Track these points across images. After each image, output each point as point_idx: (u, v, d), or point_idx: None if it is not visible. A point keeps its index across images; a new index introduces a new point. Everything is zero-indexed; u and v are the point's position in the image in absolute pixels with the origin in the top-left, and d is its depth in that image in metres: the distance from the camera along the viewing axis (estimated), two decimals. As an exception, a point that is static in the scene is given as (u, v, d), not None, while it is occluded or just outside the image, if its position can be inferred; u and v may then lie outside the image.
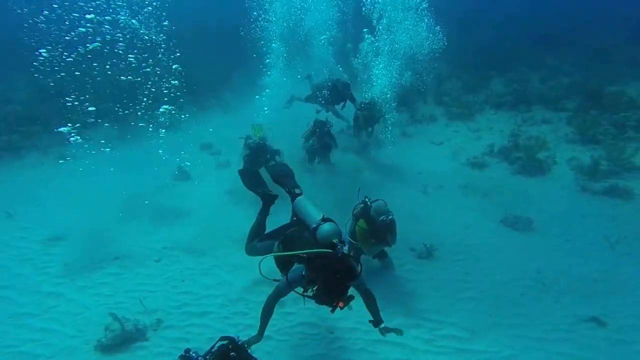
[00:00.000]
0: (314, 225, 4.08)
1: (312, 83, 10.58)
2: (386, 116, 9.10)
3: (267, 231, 5.08)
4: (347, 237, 5.53)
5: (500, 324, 4.96)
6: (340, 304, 3.55)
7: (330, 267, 3.66)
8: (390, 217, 5.22)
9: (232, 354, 3.31)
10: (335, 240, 3.83)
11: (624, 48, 13.64)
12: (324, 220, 4.12)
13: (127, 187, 7.74)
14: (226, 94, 14.30)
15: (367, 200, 5.39)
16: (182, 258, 6.56)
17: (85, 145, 8.13)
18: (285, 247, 4.39)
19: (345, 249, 3.85)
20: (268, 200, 5.19)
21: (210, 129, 11.26)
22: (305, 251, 3.88)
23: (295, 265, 4.02)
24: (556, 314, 5.06)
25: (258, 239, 4.96)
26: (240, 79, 13.85)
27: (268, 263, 4.32)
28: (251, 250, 5.07)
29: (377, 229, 5.23)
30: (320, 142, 8.44)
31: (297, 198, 4.67)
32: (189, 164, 9.33)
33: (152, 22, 9.08)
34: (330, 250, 3.76)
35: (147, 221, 7.38)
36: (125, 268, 6.28)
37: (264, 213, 5.16)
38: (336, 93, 9.87)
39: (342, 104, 10.10)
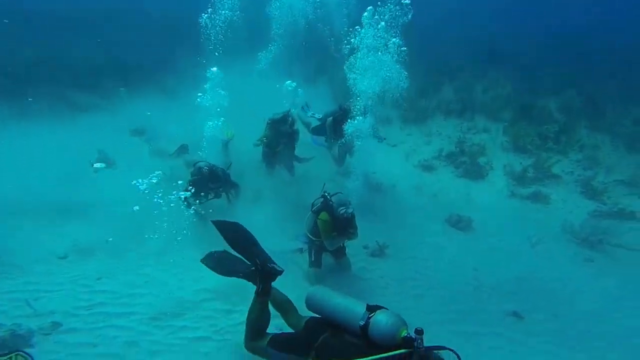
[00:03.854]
0: (362, 323, 2.43)
1: (309, 112, 7.90)
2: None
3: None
4: (307, 234, 5.02)
5: (441, 320, 4.75)
6: None
7: None
8: (350, 209, 4.68)
9: None
10: (405, 333, 2.30)
11: (549, 64, 13.49)
12: (372, 308, 2.51)
13: (24, 175, 6.04)
14: (168, 78, 11.20)
15: (326, 194, 4.80)
16: (98, 254, 4.97)
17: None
18: None
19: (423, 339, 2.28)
20: (269, 276, 3.07)
21: (148, 113, 8.62)
22: (371, 358, 2.25)
23: None
24: (488, 310, 4.90)
25: (269, 344, 2.89)
26: (184, 64, 10.57)
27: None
28: (259, 352, 3.03)
29: (338, 221, 4.69)
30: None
31: (310, 291, 2.82)
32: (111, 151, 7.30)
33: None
34: (407, 350, 2.25)
35: (52, 214, 5.56)
36: (12, 266, 4.55)
37: (263, 295, 3.05)
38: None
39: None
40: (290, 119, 6.59)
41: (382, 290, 5.12)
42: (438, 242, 6.16)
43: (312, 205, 4.95)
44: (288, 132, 6.58)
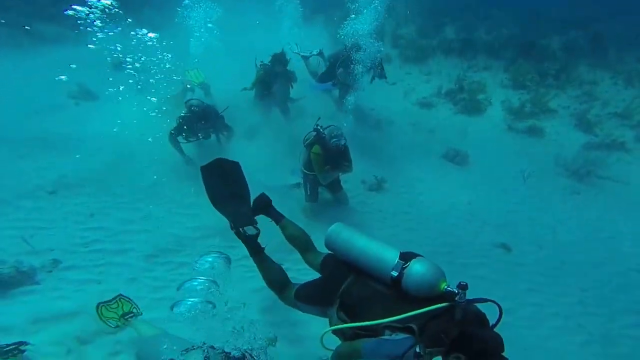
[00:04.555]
0: (395, 274, 1.97)
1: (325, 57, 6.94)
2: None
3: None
4: (301, 169, 4.77)
5: (432, 252, 4.66)
6: None
7: (472, 335, 1.73)
8: (343, 140, 4.39)
9: None
10: (446, 286, 1.88)
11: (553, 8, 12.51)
12: (406, 256, 2.02)
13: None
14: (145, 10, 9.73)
15: (319, 127, 4.50)
16: (89, 189, 4.54)
17: None
18: (350, 313, 2.12)
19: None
20: (244, 239, 2.68)
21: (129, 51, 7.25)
22: (411, 313, 1.82)
23: (392, 337, 1.87)
24: (477, 241, 4.87)
25: (295, 297, 2.50)
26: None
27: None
28: (292, 306, 2.62)
29: (331, 154, 4.45)
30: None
31: (331, 230, 2.32)
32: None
33: None
34: (448, 304, 1.82)
35: (32, 146, 5.05)
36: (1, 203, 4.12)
37: (253, 255, 2.70)
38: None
39: (370, 75, 6.32)
40: (286, 58, 6.02)
41: (379, 224, 5.02)
42: (434, 176, 5.98)
43: (305, 139, 4.65)
44: (283, 72, 6.05)
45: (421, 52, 9.23)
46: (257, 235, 2.70)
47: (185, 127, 5.09)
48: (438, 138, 6.85)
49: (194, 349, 2.14)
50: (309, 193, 4.89)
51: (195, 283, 2.73)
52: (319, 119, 4.67)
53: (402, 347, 1.76)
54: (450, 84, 8.15)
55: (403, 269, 1.95)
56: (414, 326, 1.77)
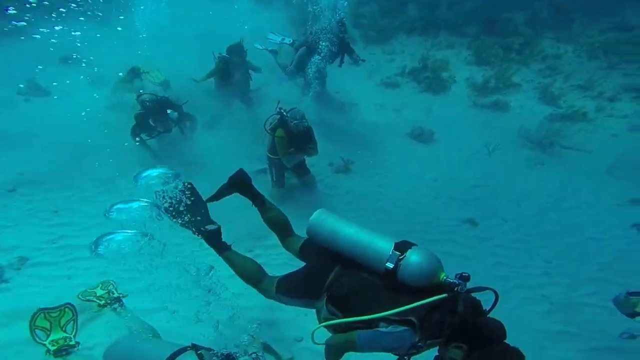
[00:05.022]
0: (390, 265, 1.78)
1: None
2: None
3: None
4: (266, 153, 4.50)
5: (402, 230, 4.46)
6: None
7: (474, 324, 1.63)
8: (305, 123, 4.16)
9: None
10: (444, 277, 1.73)
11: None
12: (401, 246, 1.83)
13: None
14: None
15: (282, 110, 4.23)
16: (50, 185, 4.37)
17: None
18: (341, 306, 1.91)
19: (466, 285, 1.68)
20: (212, 238, 2.43)
21: (78, 44, 6.75)
22: (411, 306, 1.66)
23: (387, 330, 1.73)
24: (444, 218, 4.67)
25: (277, 290, 2.23)
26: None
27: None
28: (274, 299, 2.31)
29: (294, 136, 4.21)
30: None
31: (314, 218, 2.07)
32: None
33: None
34: (447, 295, 1.66)
35: None
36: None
37: (224, 250, 2.41)
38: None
39: (339, 59, 5.94)
40: (243, 49, 5.62)
41: (348, 206, 4.77)
42: (401, 155, 5.71)
43: (269, 123, 4.34)
44: (241, 62, 5.65)
45: (384, 32, 8.86)
46: (219, 230, 2.44)
47: (143, 123, 4.77)
48: (403, 117, 6.58)
49: (185, 351, 1.96)
50: (274, 179, 4.63)
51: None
52: (279, 102, 4.35)
53: (403, 340, 1.66)
54: (414, 63, 7.85)
55: (399, 260, 1.77)
56: (413, 319, 1.65)
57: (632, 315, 2.90)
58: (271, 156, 4.48)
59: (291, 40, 6.40)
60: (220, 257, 2.39)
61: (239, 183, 2.48)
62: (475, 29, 9.13)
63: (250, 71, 5.90)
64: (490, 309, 1.70)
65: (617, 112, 7.02)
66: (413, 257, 1.75)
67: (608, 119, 6.95)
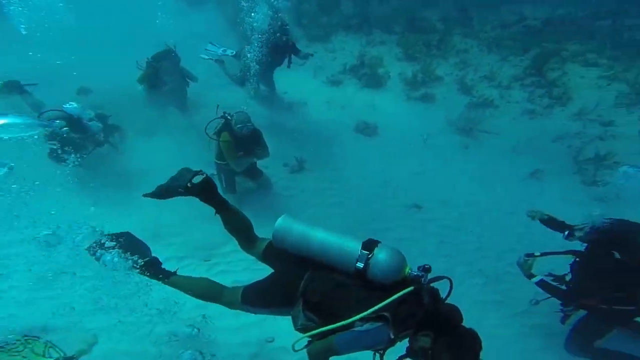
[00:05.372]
0: (360, 265, 1.73)
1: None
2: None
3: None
4: (214, 160, 4.12)
5: (359, 221, 4.54)
6: None
7: (436, 312, 1.64)
8: (250, 126, 3.86)
9: None
10: (409, 270, 1.74)
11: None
12: (368, 245, 1.78)
13: None
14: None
15: (226, 114, 3.88)
16: None
17: None
18: (318, 311, 1.80)
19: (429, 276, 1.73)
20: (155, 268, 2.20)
21: None
22: (383, 303, 1.62)
23: (363, 328, 1.65)
24: (394, 205, 4.80)
25: (243, 301, 2.03)
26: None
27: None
28: (242, 310, 2.11)
29: (241, 140, 3.88)
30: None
31: (280, 226, 1.91)
32: None
33: None
34: (413, 287, 1.65)
35: None
36: None
37: (169, 276, 2.18)
38: (273, 49, 5.22)
39: (286, 60, 5.52)
40: (174, 55, 4.96)
41: (305, 204, 4.68)
42: (350, 150, 5.71)
43: (212, 127, 3.96)
44: (173, 68, 5.00)
45: (324, 29, 8.49)
46: (156, 261, 2.20)
47: (61, 146, 3.86)
48: (349, 113, 6.51)
49: None
50: (225, 185, 4.26)
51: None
52: (218, 106, 3.94)
53: (380, 336, 1.63)
54: (353, 60, 7.71)
55: (368, 259, 1.74)
56: (387, 314, 1.62)
57: (529, 276, 2.94)
58: (219, 162, 4.12)
59: (234, 52, 5.80)
60: (167, 286, 2.16)
61: (203, 191, 2.12)
62: (401, 26, 9.16)
63: (186, 78, 5.24)
64: (447, 296, 1.73)
65: (513, 99, 7.65)
66: (380, 255, 1.74)
67: (507, 104, 7.57)
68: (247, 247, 2.22)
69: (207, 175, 2.13)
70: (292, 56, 5.60)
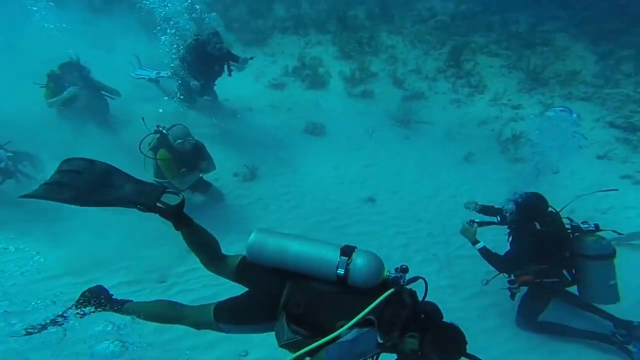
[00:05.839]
0: (341, 272, 1.58)
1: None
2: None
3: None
4: (153, 178, 3.52)
5: (317, 221, 4.27)
6: None
7: (419, 312, 1.54)
8: (191, 140, 3.38)
9: None
10: (387, 273, 1.63)
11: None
12: (345, 251, 1.63)
13: None
14: None
15: (160, 128, 3.35)
16: None
17: None
18: (303, 323, 1.61)
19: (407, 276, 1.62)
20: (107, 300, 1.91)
21: None
22: (367, 309, 1.49)
23: (351, 336, 1.50)
24: (350, 201, 4.59)
25: (217, 319, 1.75)
26: None
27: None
28: (214, 329, 1.81)
29: (182, 155, 3.37)
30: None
31: (253, 242, 1.70)
32: None
33: None
34: (393, 289, 1.55)
35: None
36: None
37: (121, 309, 1.90)
38: (210, 60, 4.64)
39: (225, 70, 4.96)
40: (81, 66, 4.13)
41: (263, 212, 4.26)
42: (301, 152, 5.33)
43: (146, 144, 3.36)
44: (84, 81, 4.18)
45: (259, 33, 7.82)
46: (101, 290, 1.91)
47: None
48: (296, 115, 6.07)
49: None
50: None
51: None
52: (143, 119, 3.35)
53: (369, 341, 1.50)
54: (294, 62, 7.22)
55: (347, 265, 1.60)
56: (372, 318, 1.51)
57: (474, 242, 2.94)
58: (159, 180, 3.50)
59: (168, 73, 4.99)
60: (122, 316, 1.86)
61: (171, 212, 1.74)
62: (333, 26, 8.84)
63: (103, 93, 4.37)
64: (424, 296, 1.63)
65: (440, 90, 7.90)
66: (359, 260, 1.62)
67: (435, 95, 7.79)
68: (212, 264, 1.90)
69: (183, 197, 1.78)
70: (231, 63, 4.95)
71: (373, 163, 5.36)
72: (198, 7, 4.79)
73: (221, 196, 4.19)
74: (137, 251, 3.38)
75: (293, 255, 1.64)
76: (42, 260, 3.01)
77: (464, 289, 3.44)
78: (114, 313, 1.87)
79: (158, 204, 1.68)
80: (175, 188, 3.49)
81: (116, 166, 1.74)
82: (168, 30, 4.42)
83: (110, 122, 4.61)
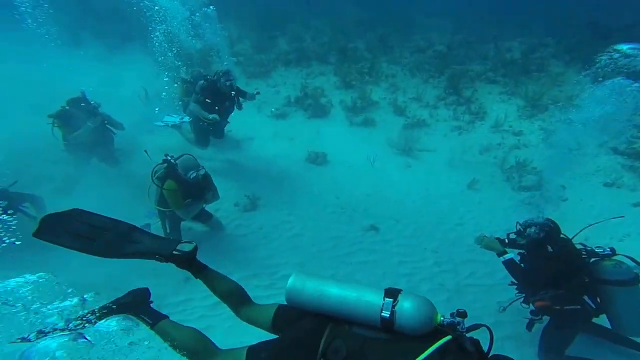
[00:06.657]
0: (386, 315, 1.45)
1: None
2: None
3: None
4: (155, 207, 3.59)
5: (321, 250, 4.27)
6: None
7: None
8: (202, 171, 3.46)
9: None
10: (442, 317, 1.49)
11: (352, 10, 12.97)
12: (391, 293, 1.52)
13: None
14: None
15: (169, 158, 3.41)
16: None
17: None
18: None
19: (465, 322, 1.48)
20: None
21: None
22: (422, 356, 1.34)
23: None
24: (351, 230, 4.60)
25: None
26: None
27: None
28: None
29: (190, 186, 3.44)
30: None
31: (292, 285, 1.62)
32: None
33: None
34: (450, 336, 1.41)
35: None
36: None
37: (158, 320, 1.87)
38: (221, 97, 4.81)
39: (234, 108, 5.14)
40: (92, 102, 4.36)
41: (263, 240, 4.28)
42: (303, 181, 5.44)
43: (153, 172, 3.45)
44: (85, 117, 4.36)
45: (263, 66, 8.31)
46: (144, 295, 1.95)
47: None
48: (298, 144, 6.26)
49: None
50: (168, 231, 3.73)
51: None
52: (146, 151, 3.45)
53: None
54: (296, 92, 7.58)
55: (393, 307, 1.47)
56: None
57: (501, 253, 2.95)
58: (162, 209, 3.58)
59: (190, 118, 5.24)
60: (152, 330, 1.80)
61: (182, 259, 1.85)
62: (335, 57, 9.36)
63: (109, 127, 4.67)
64: (489, 348, 1.47)
65: (441, 117, 8.14)
66: (406, 303, 1.48)
67: (437, 123, 8.02)
68: (243, 314, 1.86)
69: (196, 245, 1.89)
70: (240, 99, 5.24)
71: (375, 191, 5.43)
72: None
73: (221, 226, 4.26)
74: (131, 281, 3.37)
75: (333, 299, 1.55)
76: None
77: (476, 320, 3.32)
78: (143, 323, 1.84)
79: (174, 252, 1.80)
80: (176, 216, 3.60)
81: (135, 224, 1.91)
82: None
83: (115, 154, 4.82)
